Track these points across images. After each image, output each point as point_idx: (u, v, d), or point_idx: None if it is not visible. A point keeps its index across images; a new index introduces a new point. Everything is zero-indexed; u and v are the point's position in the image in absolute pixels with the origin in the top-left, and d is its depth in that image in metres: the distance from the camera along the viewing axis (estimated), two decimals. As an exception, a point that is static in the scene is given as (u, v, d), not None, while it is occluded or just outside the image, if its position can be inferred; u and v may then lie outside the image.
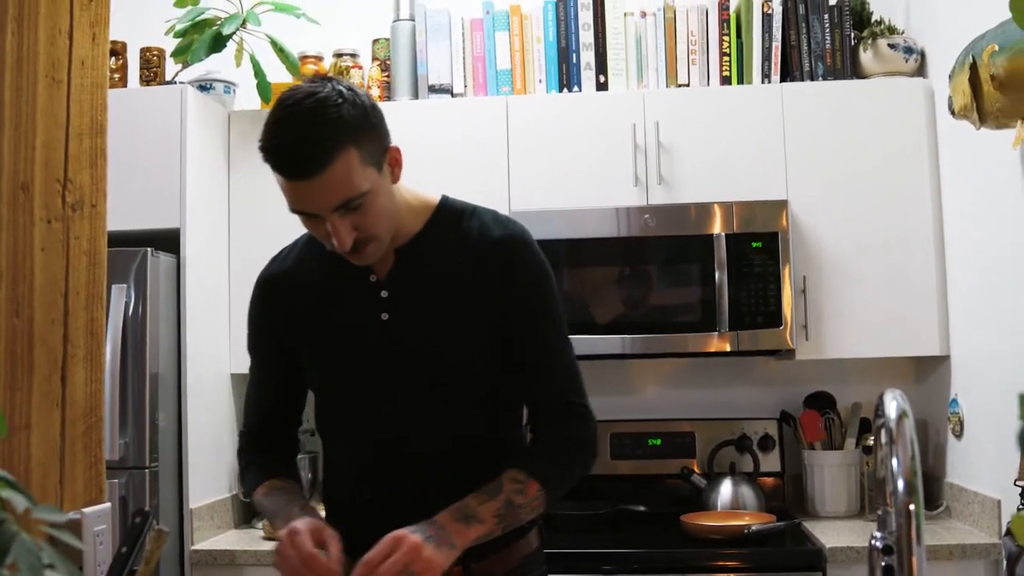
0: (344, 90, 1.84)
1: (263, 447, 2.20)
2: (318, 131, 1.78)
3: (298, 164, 1.80)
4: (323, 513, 2.09)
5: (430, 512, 1.85)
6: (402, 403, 2.01)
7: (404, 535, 1.74)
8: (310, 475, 3.84)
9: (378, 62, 4.11)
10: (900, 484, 1.24)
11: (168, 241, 3.52)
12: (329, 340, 2.05)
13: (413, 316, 2.00)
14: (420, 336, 1.99)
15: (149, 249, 3.39)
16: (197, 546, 3.47)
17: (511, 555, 2.03)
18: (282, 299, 2.11)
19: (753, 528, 3.34)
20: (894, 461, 1.26)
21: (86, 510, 1.67)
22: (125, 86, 3.85)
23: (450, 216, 2.05)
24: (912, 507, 1.24)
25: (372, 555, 1.73)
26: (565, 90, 3.94)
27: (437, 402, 2.01)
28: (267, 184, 3.96)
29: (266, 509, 2.07)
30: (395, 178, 1.95)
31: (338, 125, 1.79)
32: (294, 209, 1.87)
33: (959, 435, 3.51)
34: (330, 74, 4.03)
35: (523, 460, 1.97)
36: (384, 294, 2.00)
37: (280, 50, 3.74)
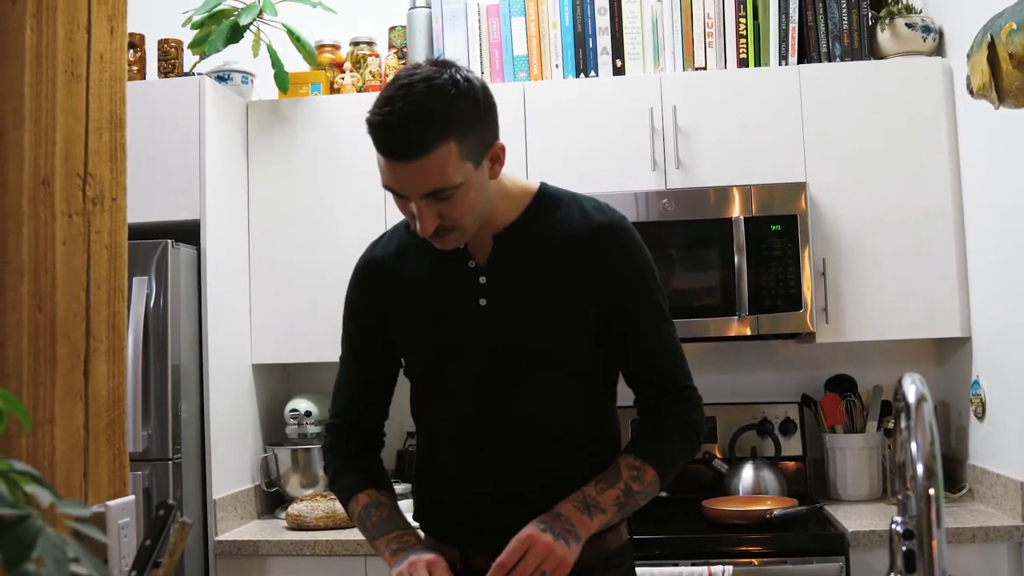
0: (461, 79, 1.83)
1: (354, 443, 2.18)
2: (425, 118, 1.78)
3: (398, 145, 1.79)
4: (412, 513, 2.10)
5: (533, 507, 1.86)
6: (501, 389, 1.99)
7: (535, 535, 1.76)
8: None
9: (395, 50, 4.12)
10: (920, 469, 1.24)
11: (188, 232, 3.54)
12: (427, 326, 2.04)
13: (511, 302, 1.98)
14: (518, 322, 1.98)
15: (169, 241, 3.40)
16: (221, 537, 3.49)
17: (600, 547, 1.99)
18: (380, 284, 2.10)
19: (775, 512, 3.34)
20: (913, 445, 1.25)
21: (110, 503, 1.69)
22: (143, 78, 3.87)
23: (549, 203, 2.05)
24: (932, 492, 1.23)
25: (504, 558, 1.75)
26: (582, 75, 3.93)
27: (536, 387, 1.99)
28: (286, 173, 3.98)
29: (366, 521, 2.04)
30: (494, 174, 1.93)
31: (445, 115, 1.79)
32: (386, 185, 1.87)
33: (981, 417, 3.50)
34: (341, 65, 4.03)
35: (639, 446, 1.98)
36: (482, 280, 1.99)
37: (297, 39, 3.75)
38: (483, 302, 1.99)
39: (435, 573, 1.79)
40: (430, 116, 1.78)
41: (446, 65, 1.85)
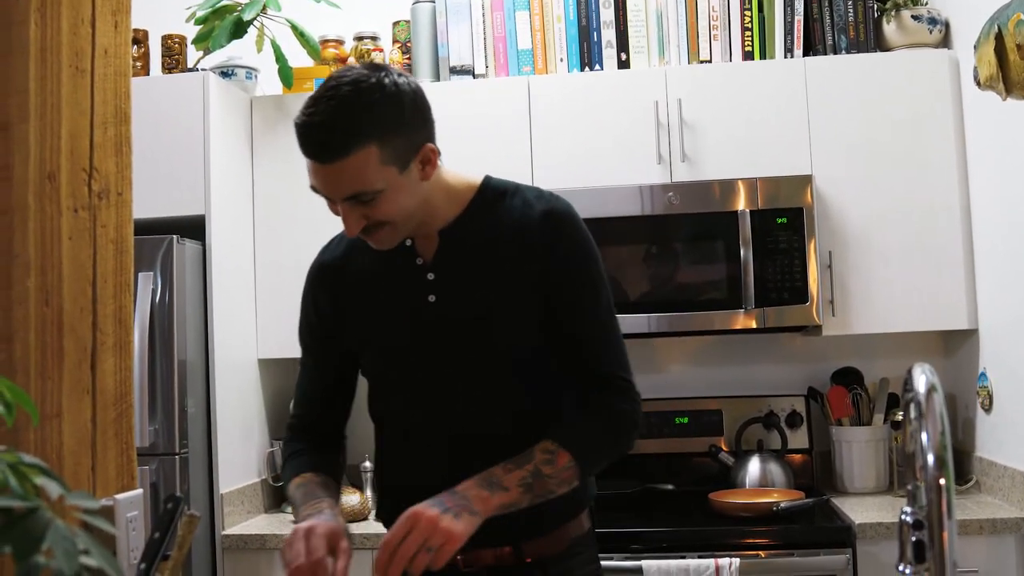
0: (389, 83, 1.83)
1: (310, 439, 2.19)
2: (346, 120, 1.78)
3: (318, 147, 1.81)
4: (374, 502, 2.09)
5: None
6: (453, 383, 2.01)
7: (420, 511, 1.74)
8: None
9: (399, 44, 4.11)
10: (930, 458, 1.23)
11: (193, 228, 3.54)
12: (378, 324, 2.06)
13: (460, 297, 2.00)
14: (468, 316, 1.99)
15: (175, 236, 3.41)
16: (228, 531, 3.49)
17: (562, 536, 2.04)
18: (332, 287, 2.12)
19: (782, 505, 3.34)
20: (924, 435, 1.25)
21: (118, 496, 1.68)
22: (147, 74, 3.87)
23: (493, 196, 2.06)
24: (943, 481, 1.23)
25: (390, 536, 1.73)
26: (587, 68, 3.92)
27: (488, 380, 2.01)
28: (291, 169, 3.97)
29: (294, 500, 2.05)
30: (425, 176, 1.92)
31: (365, 119, 1.79)
32: (312, 187, 1.88)
33: (988, 409, 3.50)
34: (345, 60, 4.03)
35: (557, 431, 1.96)
36: (431, 276, 2.01)
37: (301, 35, 3.74)
38: (432, 298, 2.01)
39: (310, 540, 1.76)
40: (351, 119, 1.79)
41: (378, 68, 1.86)
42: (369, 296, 2.07)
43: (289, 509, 3.73)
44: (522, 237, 2.00)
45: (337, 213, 1.90)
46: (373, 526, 3.50)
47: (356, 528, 3.44)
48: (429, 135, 1.93)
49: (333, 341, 2.14)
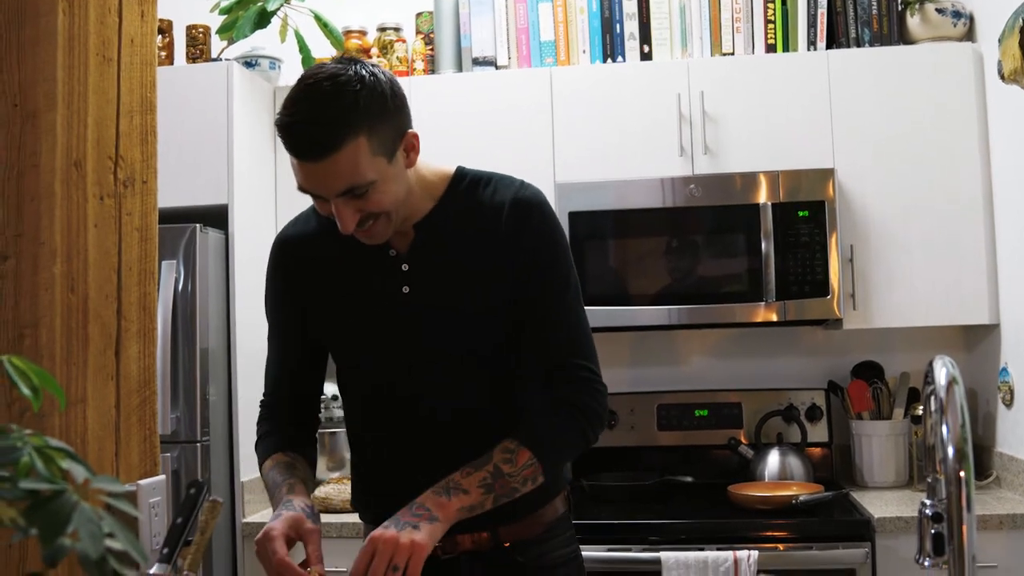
0: (367, 75, 1.83)
1: (281, 418, 2.19)
2: (330, 115, 1.78)
3: (306, 145, 1.80)
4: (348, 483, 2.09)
5: None
6: (426, 373, 2.01)
7: (377, 535, 1.74)
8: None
9: (422, 35, 4.12)
10: (950, 451, 1.24)
11: (216, 217, 3.56)
12: (351, 315, 2.06)
13: (434, 287, 2.00)
14: (442, 306, 1.99)
15: (198, 225, 3.42)
16: (249, 519, 3.52)
17: (537, 520, 2.05)
18: (300, 263, 2.11)
19: (801, 498, 3.33)
20: (944, 428, 1.25)
21: (141, 482, 1.70)
22: (172, 64, 3.88)
23: (465, 187, 2.05)
24: (962, 474, 1.23)
25: (355, 566, 1.74)
26: (609, 60, 3.92)
27: (461, 370, 2.01)
28: (313, 159, 3.94)
29: (267, 485, 2.06)
30: (409, 163, 1.93)
31: (351, 112, 1.78)
32: (301, 188, 1.88)
33: (1009, 404, 3.48)
34: (368, 51, 4.04)
35: (518, 428, 1.94)
36: (405, 267, 2.01)
37: (324, 25, 3.74)
38: (407, 289, 2.01)
39: (269, 546, 1.78)
40: (336, 113, 1.78)
41: (352, 62, 1.85)
42: (341, 282, 2.06)
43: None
44: (494, 226, 2.00)
45: (328, 213, 1.89)
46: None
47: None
48: (409, 121, 1.93)
49: (298, 318, 2.13)
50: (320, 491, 3.59)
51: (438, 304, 2.00)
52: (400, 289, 2.01)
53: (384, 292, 2.02)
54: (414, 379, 2.02)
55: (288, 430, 2.17)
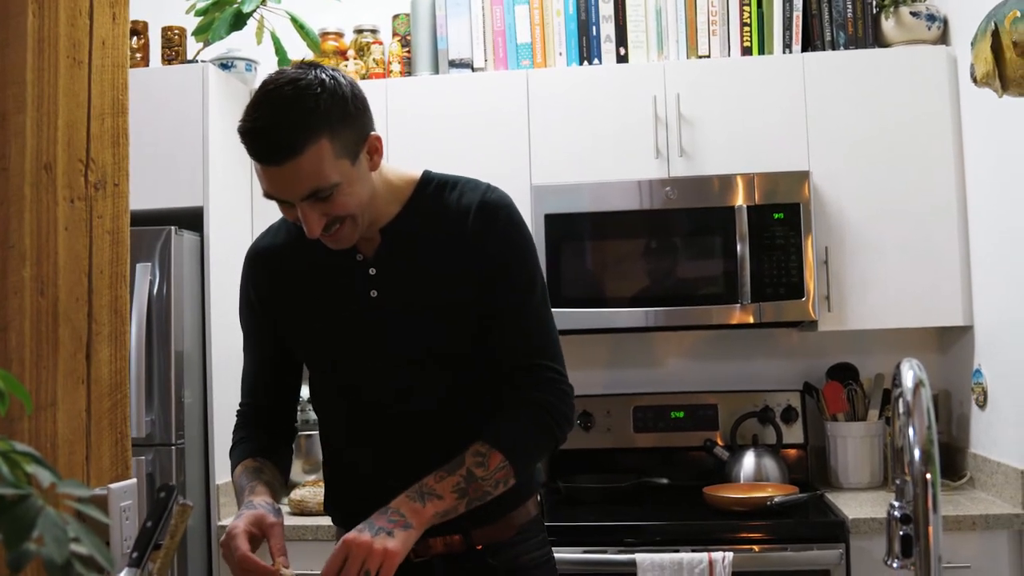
0: (327, 79, 1.84)
1: (256, 426, 2.20)
2: (292, 119, 1.79)
3: (269, 149, 1.81)
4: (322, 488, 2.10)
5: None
6: (394, 376, 2.02)
7: (351, 539, 1.75)
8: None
9: (398, 37, 4.12)
10: (916, 453, 1.25)
11: (191, 219, 3.55)
12: (319, 317, 2.07)
13: (402, 291, 2.01)
14: (410, 310, 2.00)
15: (173, 227, 3.41)
16: (224, 522, 3.50)
17: (509, 523, 2.06)
18: (271, 274, 2.12)
19: (776, 500, 3.35)
20: (911, 430, 1.26)
21: (112, 485, 1.69)
22: (147, 65, 3.87)
23: (432, 190, 2.06)
24: (929, 476, 1.24)
25: (327, 567, 1.74)
26: (585, 63, 3.93)
27: (429, 373, 2.02)
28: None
29: (236, 493, 2.08)
30: (373, 166, 1.94)
31: (313, 115, 1.79)
32: (266, 194, 1.89)
33: (983, 405, 3.51)
34: (344, 53, 4.03)
35: (489, 431, 1.94)
36: (372, 272, 2.02)
37: (300, 27, 3.74)
38: (374, 293, 2.02)
39: (232, 543, 1.79)
40: (297, 116, 1.79)
41: (312, 66, 1.87)
42: (310, 288, 2.07)
43: (285, 500, 3.74)
44: (459, 230, 2.01)
45: (295, 219, 1.90)
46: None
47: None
48: (372, 124, 1.94)
49: (271, 328, 2.15)
50: (296, 493, 3.59)
51: (405, 308, 2.00)
52: (368, 293, 2.02)
53: (352, 296, 2.03)
54: (382, 382, 2.03)
55: (262, 437, 2.18)
